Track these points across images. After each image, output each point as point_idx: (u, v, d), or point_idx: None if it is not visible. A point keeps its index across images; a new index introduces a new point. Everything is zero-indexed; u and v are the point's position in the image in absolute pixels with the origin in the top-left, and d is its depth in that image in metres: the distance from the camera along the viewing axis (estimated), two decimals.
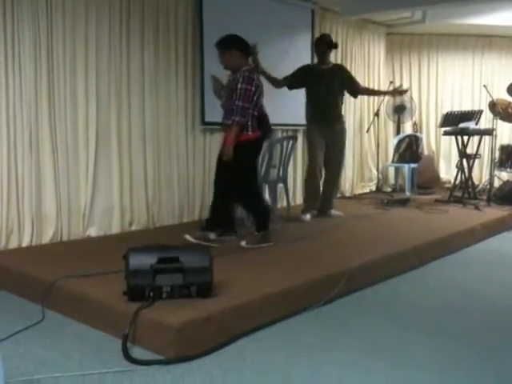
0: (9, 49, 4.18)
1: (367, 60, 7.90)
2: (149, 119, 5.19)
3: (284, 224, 5.33)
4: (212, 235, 4.35)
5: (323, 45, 5.61)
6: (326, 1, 6.69)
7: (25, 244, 4.36)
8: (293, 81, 5.68)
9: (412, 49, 8.53)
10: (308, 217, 5.65)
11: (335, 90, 5.65)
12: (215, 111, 5.63)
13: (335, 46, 5.71)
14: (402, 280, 4.04)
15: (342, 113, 5.82)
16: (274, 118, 6.14)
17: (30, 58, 4.31)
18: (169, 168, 5.40)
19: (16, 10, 4.18)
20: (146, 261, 2.90)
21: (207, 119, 5.65)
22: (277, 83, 5.61)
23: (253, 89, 4.13)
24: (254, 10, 5.92)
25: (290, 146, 5.66)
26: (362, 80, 7.75)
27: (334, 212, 5.83)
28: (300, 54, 6.46)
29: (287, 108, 6.21)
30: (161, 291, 2.92)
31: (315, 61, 5.98)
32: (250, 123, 4.17)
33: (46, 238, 4.49)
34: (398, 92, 5.95)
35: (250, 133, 4.18)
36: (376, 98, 7.94)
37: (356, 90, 5.87)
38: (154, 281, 2.89)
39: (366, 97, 7.71)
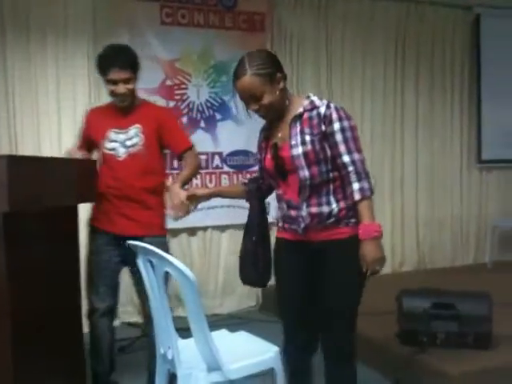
0: (293, 85, 4.56)
1: None
2: (422, 157, 5.15)
3: None
4: None
5: None
6: None
7: None
8: None
9: None
10: None
11: None
12: (493, 148, 5.34)
13: None
14: None
15: None
16: None
17: None
18: (442, 207, 5.23)
19: (301, 60, 4.64)
20: (420, 305, 2.84)
21: (484, 157, 5.35)
22: None
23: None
24: None
25: None
26: None
27: None
28: None
29: None
30: (435, 338, 2.82)
31: None
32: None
33: None
34: None
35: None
36: None
37: None
38: (429, 326, 2.81)
39: None
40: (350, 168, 2.02)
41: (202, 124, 4.34)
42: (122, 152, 2.59)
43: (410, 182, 5.10)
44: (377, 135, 4.95)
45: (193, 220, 4.22)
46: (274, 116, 2.11)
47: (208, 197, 2.28)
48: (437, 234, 5.22)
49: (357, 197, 2.00)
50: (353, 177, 2.02)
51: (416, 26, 5.05)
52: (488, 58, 5.29)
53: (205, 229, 4.36)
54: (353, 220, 2.05)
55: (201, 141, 4.30)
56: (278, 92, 2.03)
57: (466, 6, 5.23)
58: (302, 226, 2.07)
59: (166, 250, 2.36)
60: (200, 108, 4.33)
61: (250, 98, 2.03)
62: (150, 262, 2.00)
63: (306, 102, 2.09)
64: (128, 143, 2.59)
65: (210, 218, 4.26)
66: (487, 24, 5.28)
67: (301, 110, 2.07)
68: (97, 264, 2.65)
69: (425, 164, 5.16)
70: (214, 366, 1.94)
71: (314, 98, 2.10)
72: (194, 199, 2.20)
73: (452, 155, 5.28)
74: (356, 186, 2.01)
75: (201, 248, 4.37)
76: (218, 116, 4.35)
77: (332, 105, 2.07)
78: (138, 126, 2.60)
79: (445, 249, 5.25)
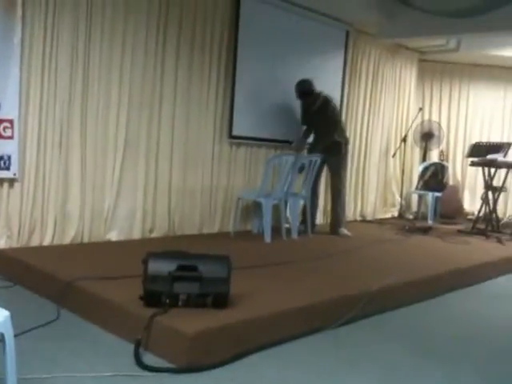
0: (47, 51, 4.26)
1: (398, 85, 7.87)
2: (178, 128, 5.23)
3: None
4: None
5: (296, 91, 5.86)
6: (361, 23, 6.68)
7: (46, 243, 4.39)
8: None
9: (444, 77, 8.48)
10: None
11: (325, 123, 5.85)
12: (243, 126, 5.71)
13: (303, 96, 5.87)
14: (420, 308, 3.96)
15: (338, 139, 5.90)
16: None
17: (66, 62, 4.38)
18: (194, 178, 5.42)
19: (57, 15, 4.27)
20: (164, 267, 2.89)
21: (234, 133, 5.67)
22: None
23: None
24: (288, 26, 5.96)
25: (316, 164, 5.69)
26: (392, 105, 7.76)
27: (342, 231, 5.97)
28: (331, 74, 6.47)
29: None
30: (177, 299, 2.90)
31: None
32: None
33: (68, 239, 4.52)
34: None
35: None
36: (404, 122, 7.99)
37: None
38: (172, 288, 2.88)
39: (394, 121, 7.80)
40: None
41: None
42: None
43: (165, 150, 5.14)
44: (135, 103, 4.87)
45: None
46: None
47: None
48: (187, 203, 5.39)
49: None
50: None
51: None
52: (245, 41, 5.58)
53: None
54: None
55: None
56: None
57: None
58: None
59: None
60: None
61: None
62: None
63: None
64: None
65: None
66: (247, 5, 5.56)
67: None
68: None
69: (180, 134, 5.24)
70: None
71: None
72: None
73: (206, 128, 5.49)
74: None
75: None
76: None
77: None
78: None
79: (194, 217, 5.46)
